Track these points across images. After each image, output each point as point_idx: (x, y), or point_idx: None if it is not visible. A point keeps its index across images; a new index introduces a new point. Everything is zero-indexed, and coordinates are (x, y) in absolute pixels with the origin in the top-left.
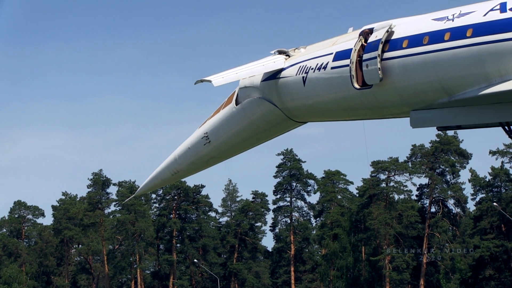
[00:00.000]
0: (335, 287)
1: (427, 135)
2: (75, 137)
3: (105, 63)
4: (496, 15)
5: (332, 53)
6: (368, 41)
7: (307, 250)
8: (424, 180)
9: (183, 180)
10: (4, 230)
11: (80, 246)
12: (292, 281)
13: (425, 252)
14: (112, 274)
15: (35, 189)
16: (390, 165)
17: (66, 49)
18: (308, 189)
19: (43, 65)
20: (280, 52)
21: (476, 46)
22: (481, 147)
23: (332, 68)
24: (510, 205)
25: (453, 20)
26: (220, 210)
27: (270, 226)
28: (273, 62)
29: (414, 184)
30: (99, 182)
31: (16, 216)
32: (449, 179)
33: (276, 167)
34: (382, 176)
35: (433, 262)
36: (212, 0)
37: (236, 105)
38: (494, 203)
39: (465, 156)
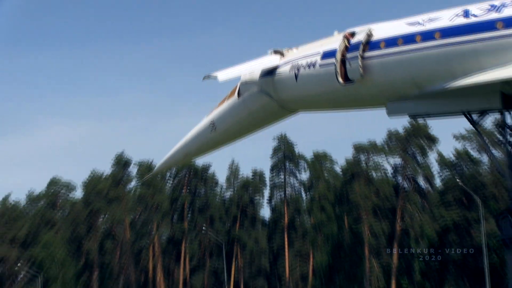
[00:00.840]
0: (323, 253)
1: (401, 122)
2: (102, 125)
3: (126, 64)
4: (460, 20)
5: (320, 53)
6: (351, 43)
7: (298, 219)
8: (398, 161)
9: (193, 160)
10: (42, 203)
11: (106, 216)
12: (286, 246)
13: (398, 221)
14: (133, 240)
15: (68, 169)
16: (369, 148)
17: (97, 52)
18: (299, 168)
19: (78, 65)
20: (275, 52)
21: (443, 47)
22: (447, 132)
23: (320, 65)
24: (471, 181)
25: (423, 25)
26: (224, 186)
27: (267, 200)
28: (270, 60)
29: (390, 164)
30: (122, 162)
31: (52, 191)
32: (419, 160)
33: (272, 149)
34: (363, 157)
35: (405, 230)
36: (216, 11)
37: (238, 97)
38: (457, 180)
39: (433, 140)
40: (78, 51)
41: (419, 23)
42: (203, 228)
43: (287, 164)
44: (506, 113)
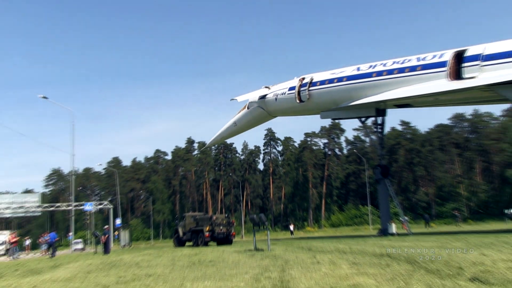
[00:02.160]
0: (289, 186)
1: (327, 121)
2: (179, 123)
3: (194, 93)
4: (355, 72)
5: (287, 87)
6: (303, 83)
7: (277, 170)
8: (326, 140)
9: (225, 141)
10: (152, 161)
11: (182, 168)
12: (271, 183)
13: (326, 170)
14: (195, 179)
15: (164, 145)
16: (312, 134)
17: (175, 84)
18: (277, 144)
19: (164, 91)
20: (265, 87)
21: (348, 85)
22: (350, 126)
23: (287, 94)
24: (361, 150)
25: (338, 74)
26: (240, 153)
27: (262, 160)
28: (263, 91)
29: (322, 143)
30: (190, 141)
31: (156, 155)
32: (336, 140)
33: (264, 135)
34: (309, 139)
35: (329, 175)
36: (240, 67)
37: (247, 109)
38: (354, 150)
39: (342, 131)
40: (164, 85)
41: (336, 73)
42: (230, 174)
43: (271, 142)
44: (378, 118)
